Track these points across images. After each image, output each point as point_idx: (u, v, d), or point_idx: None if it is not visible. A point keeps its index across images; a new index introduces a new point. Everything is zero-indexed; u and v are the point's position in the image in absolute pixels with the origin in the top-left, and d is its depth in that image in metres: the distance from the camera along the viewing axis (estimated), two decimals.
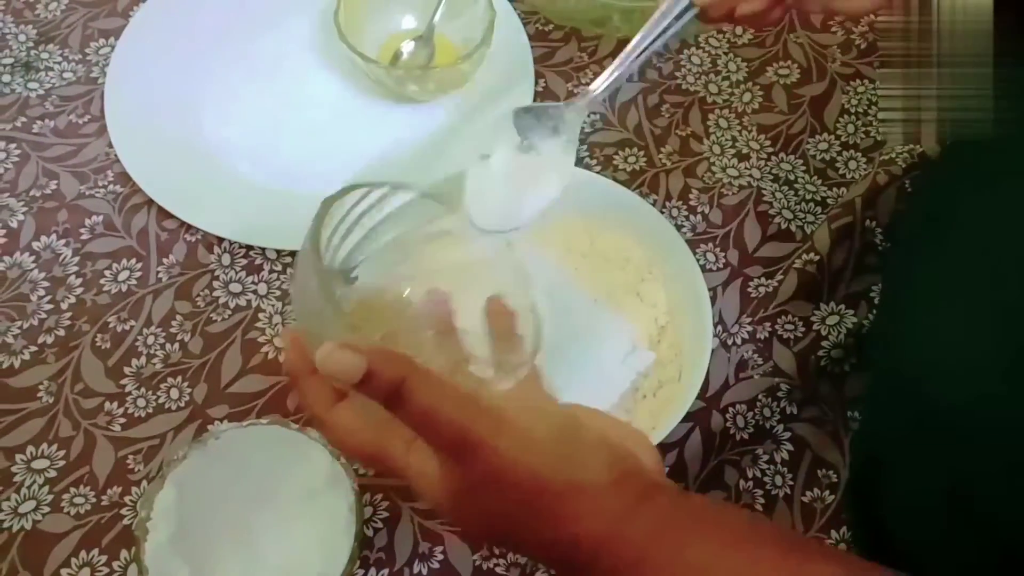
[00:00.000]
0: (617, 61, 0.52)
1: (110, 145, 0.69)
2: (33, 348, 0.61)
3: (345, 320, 0.39)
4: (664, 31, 0.52)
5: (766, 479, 0.59)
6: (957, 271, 0.44)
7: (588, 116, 0.73)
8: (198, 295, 0.64)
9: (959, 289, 0.44)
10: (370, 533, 0.56)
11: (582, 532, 0.37)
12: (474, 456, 0.36)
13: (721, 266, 0.66)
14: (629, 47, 0.52)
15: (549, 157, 0.51)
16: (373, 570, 0.55)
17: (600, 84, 0.52)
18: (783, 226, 0.68)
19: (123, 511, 0.56)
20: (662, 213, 0.67)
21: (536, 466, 0.37)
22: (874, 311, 0.64)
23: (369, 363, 0.35)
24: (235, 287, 0.64)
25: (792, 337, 0.63)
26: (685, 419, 0.57)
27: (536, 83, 0.74)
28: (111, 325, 0.63)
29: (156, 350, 0.62)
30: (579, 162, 0.70)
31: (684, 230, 0.68)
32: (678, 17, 0.52)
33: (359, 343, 0.36)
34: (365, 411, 0.39)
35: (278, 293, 0.64)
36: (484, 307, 0.46)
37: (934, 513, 0.43)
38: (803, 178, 0.71)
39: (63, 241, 0.66)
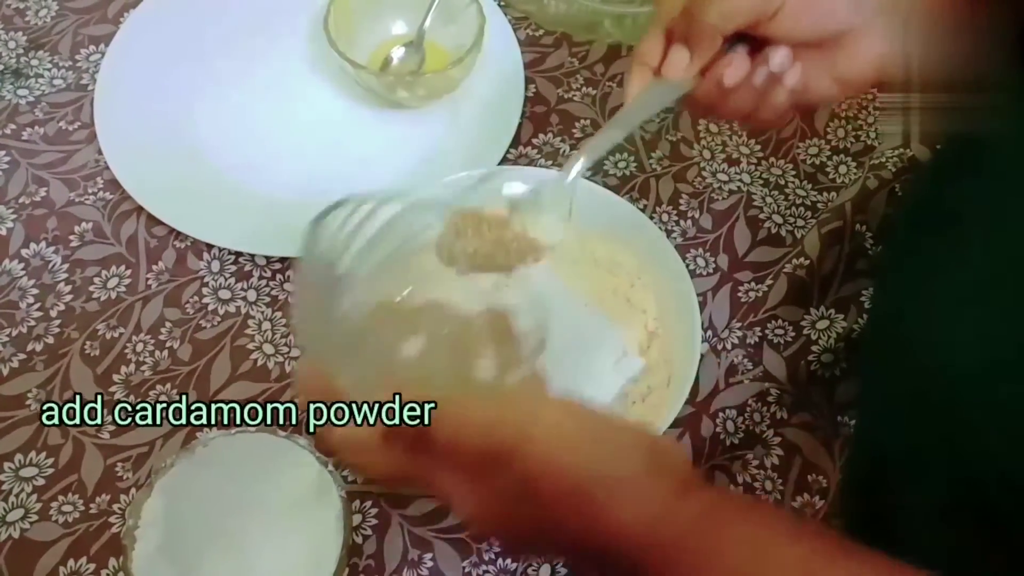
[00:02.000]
0: (600, 137, 0.52)
1: (100, 152, 0.69)
2: (22, 356, 0.61)
3: (354, 335, 0.39)
4: (648, 107, 0.52)
5: (756, 484, 0.59)
6: (967, 270, 0.44)
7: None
8: (187, 302, 0.64)
9: (969, 287, 0.43)
10: (359, 540, 0.56)
11: (624, 521, 0.36)
12: (506, 466, 0.36)
13: (711, 271, 0.66)
14: (614, 120, 0.52)
15: (540, 228, 0.51)
16: None
17: (582, 161, 0.53)
18: (773, 231, 0.68)
19: (112, 519, 0.56)
20: (652, 218, 0.67)
21: (570, 463, 0.36)
22: (864, 316, 0.64)
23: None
24: (224, 294, 0.64)
25: (782, 342, 0.63)
26: (675, 425, 0.57)
27: (526, 88, 0.74)
28: (100, 332, 0.62)
29: (145, 357, 0.62)
30: None
31: (674, 235, 0.68)
32: (664, 95, 0.52)
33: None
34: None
35: (267, 300, 0.64)
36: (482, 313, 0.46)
37: (948, 517, 0.42)
38: (793, 183, 0.71)
39: (52, 248, 0.66)
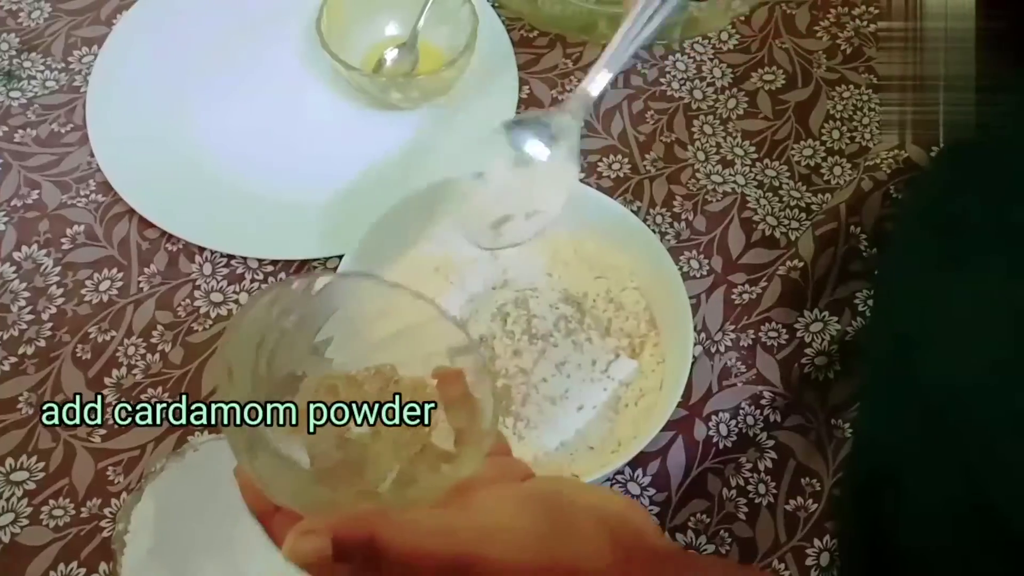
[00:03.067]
0: (605, 58, 0.49)
1: (92, 154, 0.69)
2: (13, 359, 0.61)
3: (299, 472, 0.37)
4: (649, 21, 0.49)
5: (749, 488, 0.59)
6: (973, 276, 0.43)
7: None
8: (179, 305, 0.64)
9: (982, 296, 0.43)
10: None
11: None
12: (469, 574, 0.34)
13: (705, 273, 0.66)
14: (616, 41, 0.49)
15: (551, 167, 0.48)
16: None
17: (596, 82, 0.50)
18: (767, 233, 0.68)
19: (103, 523, 0.56)
20: (646, 220, 0.67)
21: (535, 562, 0.35)
22: (858, 318, 0.64)
23: (333, 537, 0.33)
24: (216, 296, 0.64)
25: (776, 344, 0.63)
26: (667, 428, 0.57)
27: (520, 90, 0.73)
28: (92, 336, 0.62)
29: (137, 361, 0.61)
30: None
31: (668, 237, 0.68)
32: (661, 5, 0.49)
33: (317, 523, 0.34)
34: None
35: None
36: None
37: (954, 524, 0.42)
38: (788, 184, 0.71)
39: (44, 251, 0.66)
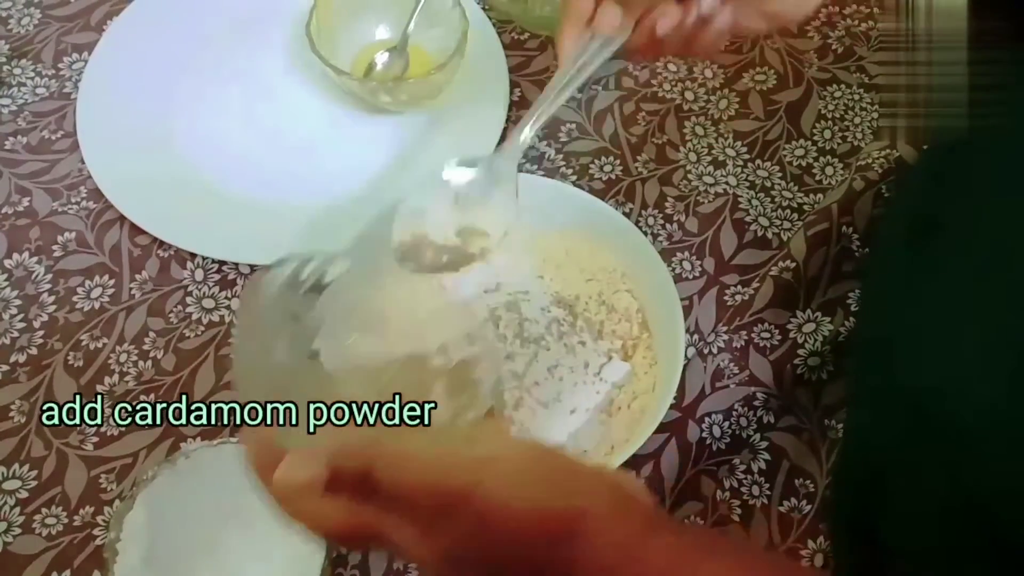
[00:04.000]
0: (540, 104, 0.51)
1: (83, 161, 0.68)
2: (5, 367, 0.61)
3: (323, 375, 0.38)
4: (579, 72, 0.51)
5: (743, 489, 0.59)
6: (956, 277, 0.43)
7: (563, 124, 0.73)
8: (171, 311, 0.64)
9: (959, 296, 0.43)
10: (344, 551, 0.56)
11: (590, 562, 0.35)
12: (462, 507, 0.34)
13: (697, 274, 0.66)
14: (551, 85, 0.51)
15: (490, 208, 0.51)
16: None
17: (527, 130, 0.52)
18: (759, 233, 0.68)
19: (95, 531, 0.56)
20: (638, 222, 0.67)
21: (531, 499, 0.35)
22: (851, 318, 0.64)
23: (329, 465, 0.35)
24: (208, 303, 0.64)
25: (768, 345, 0.63)
26: (661, 430, 0.57)
27: (512, 93, 0.73)
28: (84, 343, 0.62)
29: (129, 368, 0.61)
30: (555, 172, 0.70)
31: (660, 239, 0.68)
32: (599, 51, 0.51)
33: (314, 449, 0.35)
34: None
35: None
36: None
37: (942, 524, 0.42)
38: (779, 185, 0.71)
39: (36, 259, 0.65)
